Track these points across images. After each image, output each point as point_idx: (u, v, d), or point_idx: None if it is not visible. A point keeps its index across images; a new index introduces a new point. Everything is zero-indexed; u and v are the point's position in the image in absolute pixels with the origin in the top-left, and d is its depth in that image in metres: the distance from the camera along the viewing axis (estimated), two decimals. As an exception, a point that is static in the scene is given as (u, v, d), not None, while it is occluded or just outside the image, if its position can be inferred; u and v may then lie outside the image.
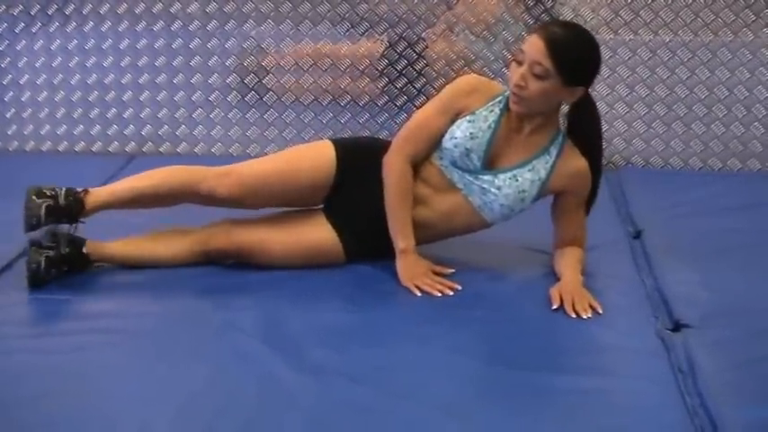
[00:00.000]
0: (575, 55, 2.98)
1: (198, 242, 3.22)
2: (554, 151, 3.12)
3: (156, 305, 3.01)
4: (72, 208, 3.13)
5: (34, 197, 3.09)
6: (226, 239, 3.20)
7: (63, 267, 3.10)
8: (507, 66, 4.35)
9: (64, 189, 3.14)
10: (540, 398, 2.48)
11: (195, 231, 3.25)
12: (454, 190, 3.15)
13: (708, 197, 4.07)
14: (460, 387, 2.53)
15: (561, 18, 4.44)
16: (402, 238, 3.14)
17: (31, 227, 3.09)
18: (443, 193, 3.17)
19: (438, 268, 3.16)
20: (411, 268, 3.12)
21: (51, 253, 3.07)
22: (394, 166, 3.16)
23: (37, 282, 3.05)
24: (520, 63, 2.98)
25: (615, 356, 2.73)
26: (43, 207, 3.08)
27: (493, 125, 3.09)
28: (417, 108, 4.42)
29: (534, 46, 2.96)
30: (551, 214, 3.22)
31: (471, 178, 3.11)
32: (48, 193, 3.11)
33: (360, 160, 3.23)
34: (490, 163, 3.11)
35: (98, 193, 3.19)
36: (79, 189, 3.18)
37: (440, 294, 3.04)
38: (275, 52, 4.60)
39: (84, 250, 3.16)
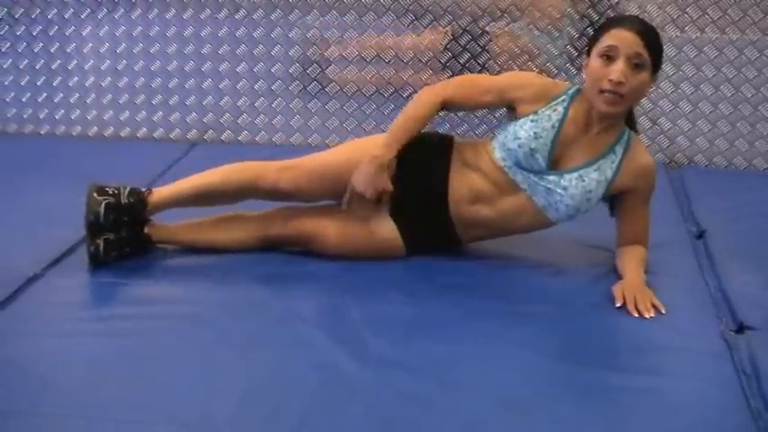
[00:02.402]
0: (659, 43, 2.99)
1: (259, 226, 3.24)
2: (620, 150, 3.09)
3: (216, 292, 3.02)
4: (134, 207, 3.14)
5: (95, 194, 3.11)
6: (286, 224, 3.22)
7: (125, 249, 3.14)
8: (571, 62, 4.33)
9: (128, 188, 3.16)
10: (601, 396, 2.47)
11: (256, 216, 3.27)
12: (518, 190, 3.12)
13: (772, 198, 4.03)
14: (521, 383, 2.52)
15: (628, 14, 4.40)
16: (387, 145, 3.11)
17: (90, 224, 3.09)
18: (507, 194, 3.13)
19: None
20: (372, 176, 3.08)
21: (111, 236, 3.10)
22: (427, 95, 3.16)
23: (97, 264, 3.08)
24: (611, 59, 2.94)
25: (678, 357, 2.69)
26: (103, 204, 3.08)
27: (557, 124, 3.06)
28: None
29: (628, 39, 2.92)
30: (615, 212, 3.20)
31: (536, 179, 3.09)
32: (109, 192, 3.13)
33: (421, 154, 3.21)
34: (555, 163, 3.08)
35: (161, 193, 3.21)
36: (143, 189, 3.20)
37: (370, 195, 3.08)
38: (338, 43, 4.61)
39: (146, 230, 3.20)
